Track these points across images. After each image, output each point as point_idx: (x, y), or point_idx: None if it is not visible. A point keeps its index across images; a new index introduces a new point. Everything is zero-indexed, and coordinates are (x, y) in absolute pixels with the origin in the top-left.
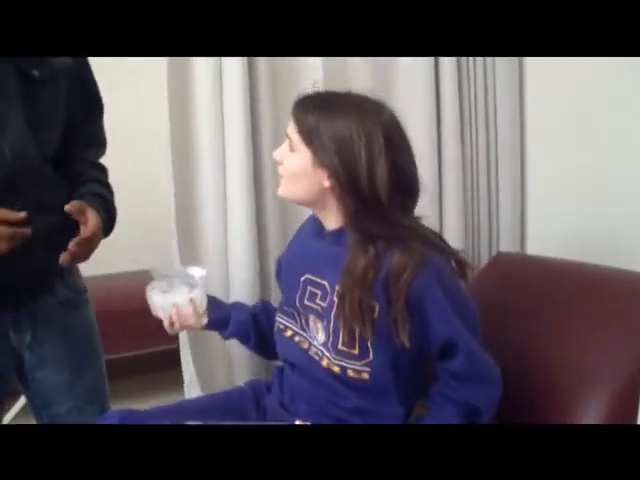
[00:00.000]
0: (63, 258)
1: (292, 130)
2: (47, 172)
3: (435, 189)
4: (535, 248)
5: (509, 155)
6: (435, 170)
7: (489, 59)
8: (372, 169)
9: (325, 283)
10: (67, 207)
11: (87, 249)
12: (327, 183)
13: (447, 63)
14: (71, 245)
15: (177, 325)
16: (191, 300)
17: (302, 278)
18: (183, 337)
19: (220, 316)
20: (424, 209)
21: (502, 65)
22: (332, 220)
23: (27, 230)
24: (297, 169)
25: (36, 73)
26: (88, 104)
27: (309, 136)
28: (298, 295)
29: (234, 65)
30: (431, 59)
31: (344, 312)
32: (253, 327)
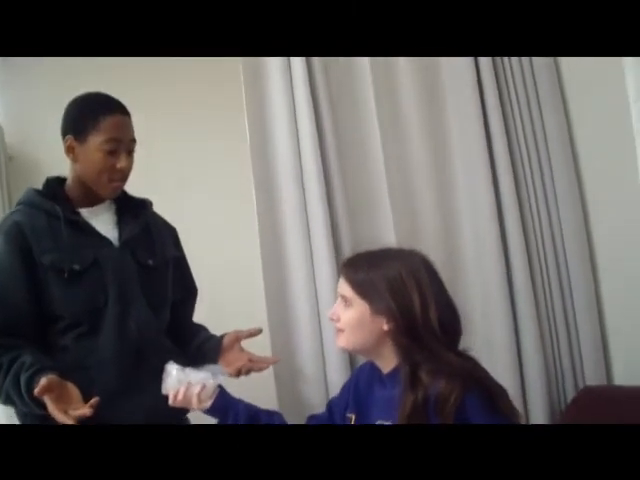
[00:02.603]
0: None
1: (344, 288)
2: (164, 342)
3: (510, 323)
4: (622, 375)
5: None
6: (508, 303)
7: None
8: (424, 304)
9: (390, 423)
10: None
11: None
12: (386, 327)
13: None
14: None
15: (180, 397)
16: (202, 383)
17: (377, 423)
18: None
19: (224, 403)
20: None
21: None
22: (388, 363)
23: (87, 411)
24: (357, 321)
25: (151, 262)
26: (188, 289)
27: (363, 288)
28: None
29: (316, 195)
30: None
31: None
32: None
